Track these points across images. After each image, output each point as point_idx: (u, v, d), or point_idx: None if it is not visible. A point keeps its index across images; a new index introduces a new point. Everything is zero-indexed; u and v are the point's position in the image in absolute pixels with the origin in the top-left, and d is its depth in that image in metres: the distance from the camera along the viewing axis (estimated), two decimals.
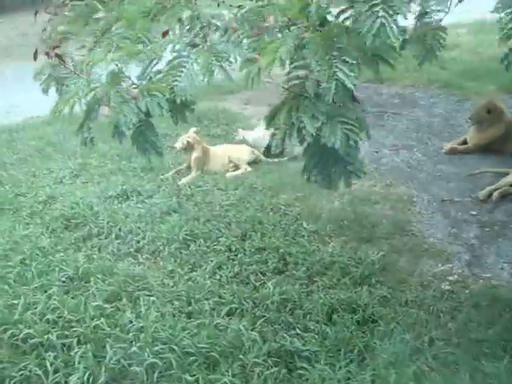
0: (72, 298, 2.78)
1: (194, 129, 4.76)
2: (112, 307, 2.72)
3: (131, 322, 2.60)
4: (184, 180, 4.45)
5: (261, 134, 4.94)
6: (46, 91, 2.37)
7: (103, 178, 4.71)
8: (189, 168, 4.68)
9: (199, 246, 3.46)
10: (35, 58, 2.15)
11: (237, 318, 2.77)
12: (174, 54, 1.94)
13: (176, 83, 1.86)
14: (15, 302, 2.71)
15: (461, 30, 8.84)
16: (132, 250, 3.51)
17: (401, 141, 5.13)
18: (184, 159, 4.73)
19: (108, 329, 2.51)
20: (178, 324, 2.58)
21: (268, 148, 4.81)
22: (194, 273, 3.22)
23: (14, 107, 7.49)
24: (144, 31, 2.04)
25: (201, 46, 1.90)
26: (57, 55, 2.21)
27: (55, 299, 2.75)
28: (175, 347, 2.38)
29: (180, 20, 2.00)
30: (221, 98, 6.94)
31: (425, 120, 5.63)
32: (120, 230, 3.69)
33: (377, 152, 4.93)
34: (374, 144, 5.11)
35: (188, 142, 4.56)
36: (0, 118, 7.00)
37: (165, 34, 1.98)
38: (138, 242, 3.57)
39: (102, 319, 2.58)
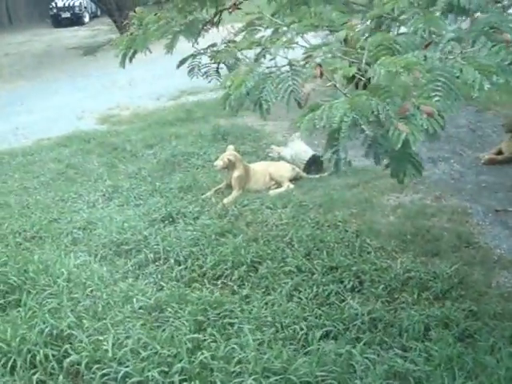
0: (163, 330, 2.58)
1: (231, 146, 4.64)
2: (205, 338, 2.54)
3: (231, 352, 2.43)
4: (227, 199, 4.31)
5: (298, 149, 4.87)
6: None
7: (140, 201, 4.53)
8: (228, 187, 4.54)
9: (267, 267, 3.32)
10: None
11: (333, 341, 2.65)
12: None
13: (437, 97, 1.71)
14: (100, 338, 2.50)
15: None
16: (196, 274, 3.34)
17: (435, 153, 5.13)
18: (225, 178, 4.59)
19: (212, 362, 2.33)
20: (283, 352, 2.43)
21: (310, 164, 4.74)
22: (271, 296, 3.07)
23: (19, 129, 7.20)
24: None
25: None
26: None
27: (141, 333, 2.55)
28: (293, 377, 2.22)
29: None
30: (238, 114, 6.84)
31: (452, 132, 5.67)
32: (177, 254, 3.52)
33: None
34: None
35: (229, 160, 4.43)
36: (8, 140, 6.75)
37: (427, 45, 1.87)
38: (201, 266, 3.40)
39: (200, 352, 2.40)
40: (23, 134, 6.92)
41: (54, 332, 2.62)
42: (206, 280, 3.27)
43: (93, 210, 4.44)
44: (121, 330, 2.59)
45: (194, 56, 2.95)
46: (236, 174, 4.45)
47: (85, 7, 19.23)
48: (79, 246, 3.81)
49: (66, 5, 18.97)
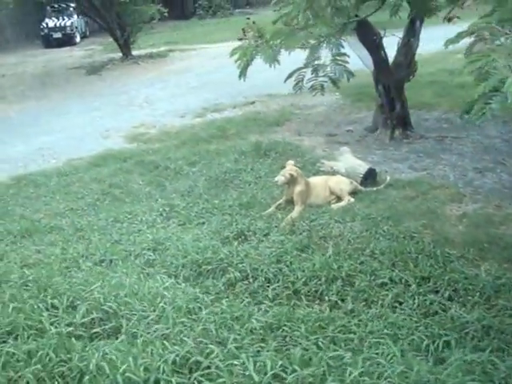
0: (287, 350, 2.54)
1: (291, 162, 4.66)
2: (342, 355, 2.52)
3: (374, 367, 2.41)
4: (293, 214, 4.31)
5: (352, 163, 4.92)
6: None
7: (201, 219, 4.48)
8: (288, 202, 4.55)
9: (362, 280, 3.32)
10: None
11: (457, 350, 2.66)
12: None
13: None
14: (235, 362, 2.45)
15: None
16: (290, 292, 3.31)
17: (479, 163, 5.28)
18: (285, 193, 4.59)
19: (361, 378, 2.30)
20: (422, 363, 2.42)
21: (366, 177, 4.79)
22: (374, 309, 3.07)
23: (43, 150, 7.07)
24: None
25: None
26: None
27: (273, 355, 2.50)
28: None
29: None
30: (270, 130, 6.91)
31: (487, 142, 5.85)
32: (265, 272, 3.49)
33: (465, 176, 5.04)
34: (455, 168, 5.24)
35: (291, 175, 4.45)
36: (37, 162, 6.62)
37: None
38: (293, 283, 3.37)
39: (346, 370, 2.38)
40: (50, 155, 6.80)
41: (177, 359, 2.55)
42: (303, 296, 3.25)
43: (153, 230, 4.37)
44: (249, 352, 2.54)
45: (299, 70, 2.99)
46: (298, 189, 4.47)
47: (76, 27, 19.15)
48: (155, 267, 3.73)
49: (58, 25, 18.88)
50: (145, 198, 5.05)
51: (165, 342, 2.66)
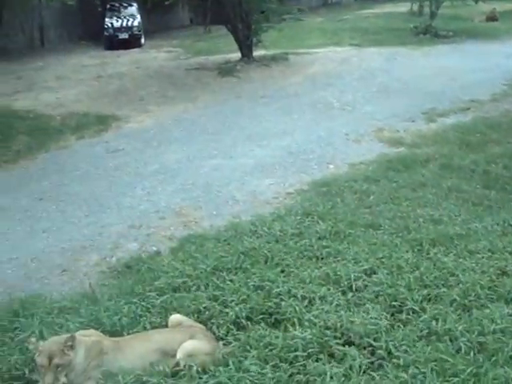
0: None
1: None
2: None
3: None
4: None
5: None
6: None
7: None
8: None
9: None
10: None
11: None
12: None
13: None
14: None
15: None
16: None
17: None
18: None
19: None
20: None
21: None
22: None
23: (304, 154, 6.43)
24: None
25: None
26: None
27: None
28: None
29: None
30: None
31: None
32: None
33: None
34: None
35: None
36: (310, 169, 5.98)
37: None
38: None
39: None
40: (324, 162, 6.22)
41: None
42: None
43: None
44: None
45: None
46: None
47: (141, 28, 18.26)
48: None
49: (124, 25, 17.93)
50: None
51: None
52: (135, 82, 11.76)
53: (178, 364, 2.86)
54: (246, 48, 12.36)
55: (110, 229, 4.84)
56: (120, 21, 18.03)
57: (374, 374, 2.67)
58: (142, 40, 18.26)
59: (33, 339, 2.78)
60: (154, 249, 4.39)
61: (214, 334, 3.10)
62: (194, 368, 2.76)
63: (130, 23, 18.03)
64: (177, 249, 4.29)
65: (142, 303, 3.37)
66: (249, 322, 3.15)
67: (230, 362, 2.75)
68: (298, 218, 4.49)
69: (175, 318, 3.19)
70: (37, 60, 15.59)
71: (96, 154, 7.12)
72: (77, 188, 5.95)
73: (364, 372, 2.68)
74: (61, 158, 7.10)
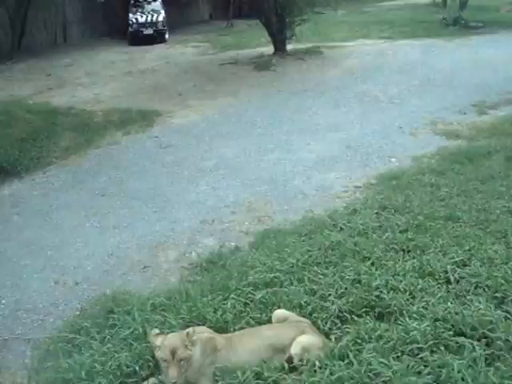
0: None
1: None
2: None
3: None
4: None
5: None
6: None
7: None
8: None
9: None
10: None
11: None
12: None
13: None
14: None
15: None
16: None
17: None
18: None
19: None
20: None
21: None
22: None
23: (360, 148, 6.42)
24: None
25: None
26: None
27: None
28: None
29: None
30: None
31: None
32: None
33: None
34: None
35: None
36: (372, 162, 5.96)
37: None
38: None
39: None
40: (385, 156, 6.16)
41: None
42: None
43: None
44: None
45: None
46: None
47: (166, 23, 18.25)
48: None
49: (149, 20, 17.92)
50: None
51: None
52: (170, 77, 11.76)
53: (290, 359, 2.85)
54: (279, 42, 12.30)
55: (183, 224, 4.85)
56: (144, 16, 18.02)
57: (499, 364, 2.64)
58: (167, 35, 18.25)
59: (153, 332, 2.79)
60: (233, 244, 4.40)
61: (318, 328, 3.10)
62: (316, 362, 2.75)
63: (154, 18, 18.01)
64: (256, 244, 4.29)
65: (240, 298, 3.37)
66: (352, 316, 3.14)
67: (351, 356, 2.74)
68: (375, 211, 4.47)
69: (280, 312, 3.17)
70: (62, 57, 15.64)
71: (148, 149, 7.13)
72: (137, 184, 5.97)
73: (489, 364, 2.66)
74: (113, 153, 7.13)
